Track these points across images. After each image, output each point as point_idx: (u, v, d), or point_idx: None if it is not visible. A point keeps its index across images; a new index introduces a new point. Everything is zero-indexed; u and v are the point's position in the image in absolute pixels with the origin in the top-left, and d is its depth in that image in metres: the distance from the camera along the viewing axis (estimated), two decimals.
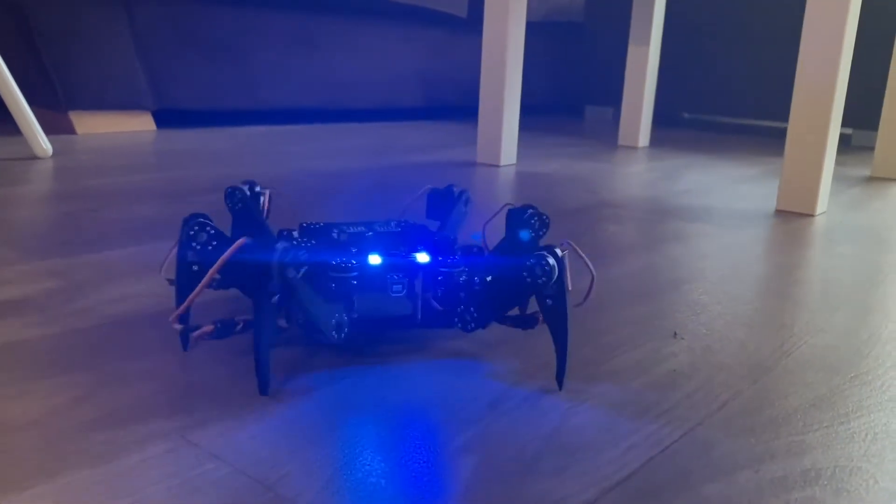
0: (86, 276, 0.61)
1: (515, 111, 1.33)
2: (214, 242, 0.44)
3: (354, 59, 1.94)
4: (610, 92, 2.54)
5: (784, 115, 2.17)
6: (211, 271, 0.41)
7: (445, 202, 0.59)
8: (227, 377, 0.43)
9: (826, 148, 0.99)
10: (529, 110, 2.69)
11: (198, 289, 0.42)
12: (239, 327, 0.43)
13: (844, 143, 2.11)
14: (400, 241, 0.51)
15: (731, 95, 2.29)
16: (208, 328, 0.42)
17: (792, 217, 1.00)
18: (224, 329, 0.42)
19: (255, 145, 1.45)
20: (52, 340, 0.47)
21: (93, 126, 1.50)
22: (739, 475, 0.35)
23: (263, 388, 0.41)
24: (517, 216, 0.51)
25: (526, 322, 0.47)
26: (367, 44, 1.97)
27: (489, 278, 0.45)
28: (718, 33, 2.28)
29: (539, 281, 0.42)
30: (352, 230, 0.52)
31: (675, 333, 0.54)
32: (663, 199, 1.08)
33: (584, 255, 0.44)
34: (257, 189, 0.57)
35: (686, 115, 2.81)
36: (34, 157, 1.17)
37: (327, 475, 0.34)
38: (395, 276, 0.45)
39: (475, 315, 0.45)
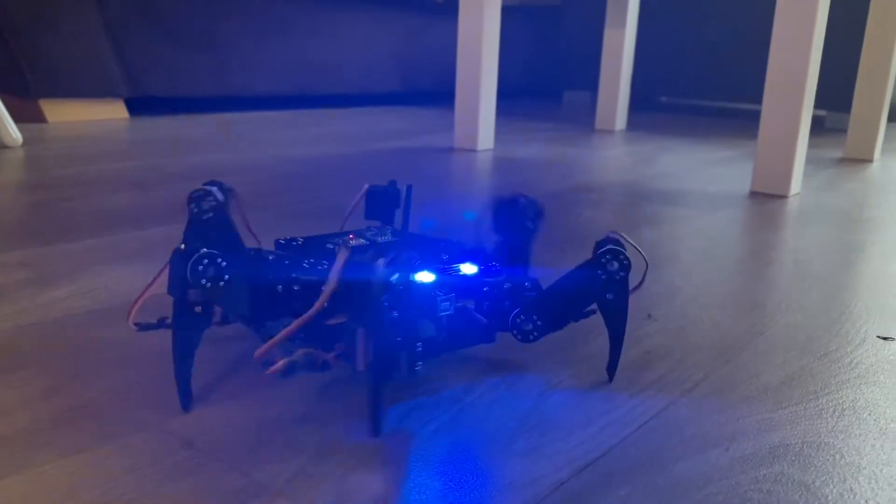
0: (57, 266, 0.60)
1: (492, 96, 1.32)
2: (227, 276, 0.37)
3: (330, 44, 1.93)
4: (587, 76, 2.54)
5: (760, 97, 2.19)
6: (322, 298, 0.36)
7: (388, 200, 0.53)
8: (201, 366, 0.43)
9: (799, 130, 1.00)
10: (507, 95, 2.69)
11: (297, 322, 0.37)
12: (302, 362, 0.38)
13: (818, 126, 2.13)
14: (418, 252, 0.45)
15: (707, 78, 2.30)
16: (280, 365, 0.37)
17: (766, 199, 1.01)
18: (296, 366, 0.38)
19: (229, 133, 1.44)
20: (23, 331, 0.47)
21: (63, 114, 1.48)
22: (710, 453, 0.36)
23: (185, 403, 0.38)
24: (509, 209, 0.49)
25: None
26: (342, 29, 1.95)
27: (550, 283, 0.43)
28: (694, 16, 2.29)
29: (617, 277, 0.41)
30: (352, 243, 0.46)
31: (650, 315, 0.54)
32: (639, 183, 1.09)
33: (635, 244, 0.44)
34: (227, 187, 0.47)
35: (663, 99, 2.82)
36: (3, 147, 1.15)
37: (301, 461, 0.34)
38: (442, 293, 0.41)
39: (539, 323, 0.43)
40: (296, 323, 0.37)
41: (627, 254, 0.41)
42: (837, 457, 0.36)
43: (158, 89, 1.61)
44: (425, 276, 0.39)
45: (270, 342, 0.37)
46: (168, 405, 0.38)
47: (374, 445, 0.35)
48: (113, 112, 1.56)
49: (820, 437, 0.38)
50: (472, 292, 0.43)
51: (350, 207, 0.51)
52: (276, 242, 0.47)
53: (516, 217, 0.47)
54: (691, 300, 0.58)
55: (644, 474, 0.34)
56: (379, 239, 0.48)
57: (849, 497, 0.33)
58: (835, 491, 0.33)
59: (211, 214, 0.40)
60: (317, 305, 0.36)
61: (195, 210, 0.40)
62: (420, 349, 0.38)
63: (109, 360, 0.43)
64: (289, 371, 0.37)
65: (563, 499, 0.32)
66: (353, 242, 0.47)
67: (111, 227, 0.72)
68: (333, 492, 0.32)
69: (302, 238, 0.47)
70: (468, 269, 0.43)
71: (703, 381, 0.44)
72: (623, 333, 0.42)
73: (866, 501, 0.32)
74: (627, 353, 0.47)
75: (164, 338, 0.46)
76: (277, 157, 1.17)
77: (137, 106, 1.72)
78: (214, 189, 0.42)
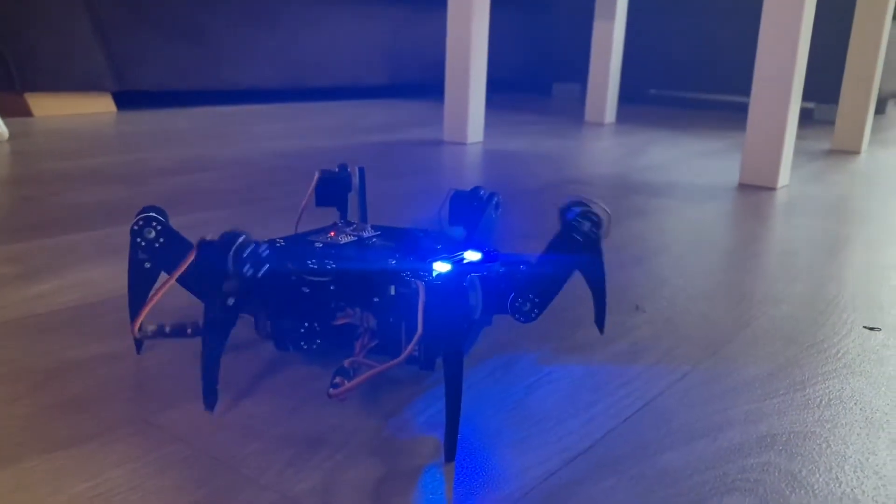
0: (44, 260, 0.60)
1: (482, 88, 1.32)
2: (266, 266, 0.38)
3: (318, 37, 1.92)
4: (577, 68, 2.54)
5: (748, 89, 2.19)
6: (411, 345, 0.36)
7: (472, 207, 0.51)
8: (188, 361, 0.43)
9: (787, 122, 1.01)
10: (496, 88, 2.69)
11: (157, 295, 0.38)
12: (189, 331, 0.40)
13: (806, 118, 2.14)
14: (404, 246, 0.45)
15: (696, 71, 2.30)
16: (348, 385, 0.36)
17: (754, 190, 1.01)
18: (175, 332, 0.40)
19: (217, 126, 1.43)
20: (9, 326, 0.47)
21: (50, 108, 1.47)
22: (697, 443, 0.36)
23: (210, 403, 0.36)
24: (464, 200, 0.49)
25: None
26: (330, 22, 1.95)
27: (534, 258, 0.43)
28: (683, 8, 2.29)
29: (592, 236, 0.42)
30: (343, 240, 0.46)
31: (638, 307, 0.55)
32: (628, 175, 1.09)
33: (595, 200, 0.44)
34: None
35: (652, 91, 2.83)
36: None
37: (289, 455, 0.34)
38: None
39: (536, 301, 0.42)
40: (383, 366, 0.36)
41: (595, 210, 0.42)
42: (824, 446, 0.36)
43: (146, 83, 1.60)
44: (442, 266, 0.40)
45: (352, 384, 0.35)
46: (157, 399, 0.38)
47: (364, 438, 0.35)
48: (100, 106, 1.55)
49: (806, 426, 0.38)
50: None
51: (305, 199, 0.50)
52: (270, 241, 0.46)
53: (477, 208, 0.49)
54: (679, 292, 0.58)
55: (632, 465, 0.34)
56: (363, 234, 0.47)
57: (835, 486, 0.33)
58: (821, 480, 0.33)
59: (160, 238, 0.40)
60: (406, 351, 0.36)
61: (140, 241, 0.41)
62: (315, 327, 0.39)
63: (96, 354, 0.43)
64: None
65: (551, 489, 0.32)
66: (334, 238, 0.46)
67: (98, 222, 0.72)
68: (322, 485, 0.31)
69: (281, 239, 0.46)
70: (472, 255, 0.43)
71: (690, 371, 0.44)
72: (605, 285, 0.44)
73: (852, 490, 0.33)
74: (616, 345, 0.47)
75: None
76: (266, 150, 1.17)
77: (125, 99, 1.71)
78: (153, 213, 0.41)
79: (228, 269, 0.35)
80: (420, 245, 0.44)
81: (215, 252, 0.36)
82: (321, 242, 0.45)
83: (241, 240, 0.36)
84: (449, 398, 0.33)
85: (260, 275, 0.37)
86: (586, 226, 0.41)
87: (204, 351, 0.35)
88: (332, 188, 0.51)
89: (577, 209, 0.42)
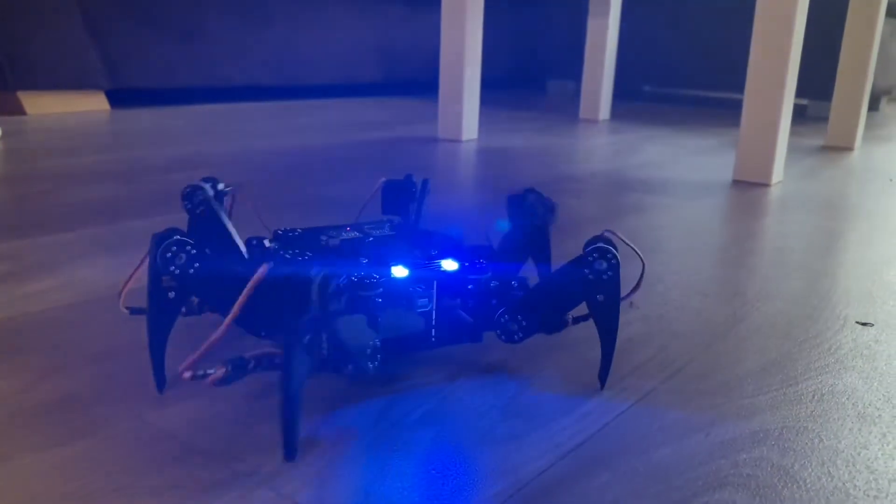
0: (38, 259, 0.60)
1: (476, 86, 1.32)
2: (196, 264, 0.37)
3: (312, 34, 1.92)
4: (571, 66, 2.54)
5: (742, 86, 2.20)
6: (234, 310, 0.34)
7: (404, 194, 0.52)
8: (182, 358, 0.43)
9: (781, 119, 1.01)
10: (491, 85, 2.69)
11: (219, 331, 0.34)
12: (251, 365, 0.35)
13: (800, 114, 2.14)
14: (406, 246, 0.45)
15: (690, 68, 2.30)
16: (220, 373, 0.34)
17: (748, 187, 1.01)
18: (237, 371, 0.34)
19: (210, 124, 1.43)
20: (3, 325, 0.46)
21: (43, 106, 1.46)
22: (690, 439, 0.36)
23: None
24: (519, 203, 0.47)
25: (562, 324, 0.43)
26: (325, 19, 1.94)
27: (536, 281, 0.41)
28: (677, 5, 2.29)
29: (605, 276, 0.39)
30: (344, 236, 0.46)
31: (632, 303, 0.55)
32: (622, 172, 1.09)
33: (630, 243, 0.41)
34: (221, 187, 0.48)
35: (647, 88, 2.83)
36: None
37: (283, 452, 0.34)
38: (420, 289, 0.39)
39: (524, 324, 0.41)
40: (219, 331, 0.34)
41: (617, 253, 0.39)
42: (816, 441, 0.36)
43: (140, 80, 1.59)
44: (399, 271, 0.39)
45: (196, 354, 0.34)
46: (149, 397, 0.38)
47: (357, 436, 0.35)
48: (94, 104, 1.55)
49: (799, 421, 0.38)
50: (456, 290, 0.41)
51: (364, 202, 0.51)
52: (275, 232, 0.47)
53: (527, 211, 0.47)
54: (673, 288, 0.58)
55: (625, 460, 0.34)
56: (375, 232, 0.47)
57: (827, 480, 0.33)
58: (813, 474, 0.33)
59: (202, 209, 0.41)
60: (226, 323, 0.35)
61: (188, 206, 0.40)
62: (377, 344, 0.36)
63: (90, 352, 0.43)
64: (229, 379, 0.34)
65: (545, 486, 0.32)
66: (347, 236, 0.46)
67: (92, 220, 0.72)
68: (316, 482, 0.32)
69: (301, 229, 0.47)
70: (449, 265, 0.41)
71: (684, 367, 0.44)
72: (615, 337, 0.40)
73: (844, 484, 0.33)
74: None
75: (144, 330, 0.46)
76: (260, 148, 1.17)
77: (119, 97, 1.71)
78: (207, 185, 0.43)
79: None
80: (411, 250, 0.44)
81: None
82: (327, 237, 0.46)
83: (170, 240, 0.35)
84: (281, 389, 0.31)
85: (190, 273, 0.36)
86: (602, 265, 0.39)
87: (148, 339, 0.35)
88: (398, 196, 0.52)
89: (600, 243, 0.39)
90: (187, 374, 0.33)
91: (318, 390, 0.39)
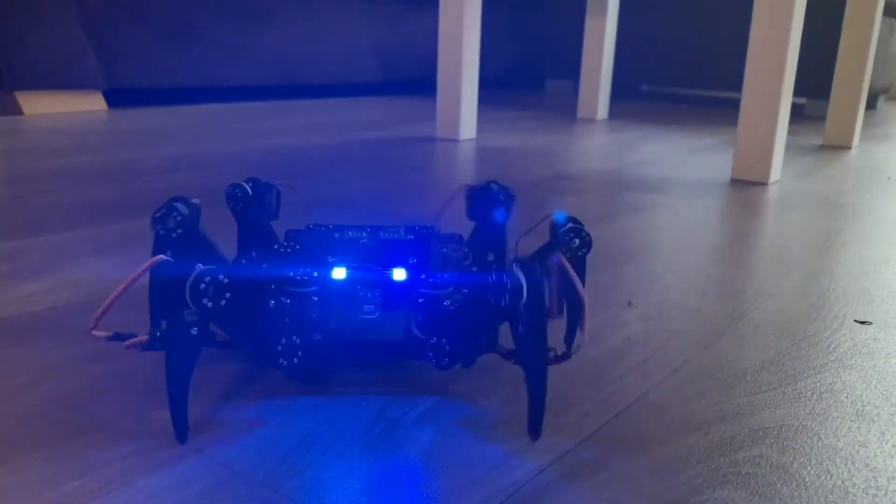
0: (36, 259, 0.60)
1: (474, 85, 1.32)
2: (228, 295, 0.35)
3: (310, 34, 1.92)
4: (569, 65, 2.54)
5: (740, 85, 2.20)
6: (129, 280, 0.34)
7: (484, 200, 0.49)
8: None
9: (778, 118, 1.01)
10: (489, 84, 2.69)
11: (120, 288, 0.34)
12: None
13: (798, 113, 2.14)
14: (392, 251, 0.43)
15: (688, 67, 2.31)
16: (142, 339, 0.35)
17: (746, 186, 1.01)
18: (155, 342, 0.36)
19: (208, 124, 1.43)
20: (2, 324, 0.46)
21: (41, 106, 1.46)
22: (690, 437, 0.36)
23: (179, 434, 0.34)
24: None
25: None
26: (322, 18, 1.94)
27: (460, 298, 0.36)
28: (675, 4, 2.29)
29: (502, 303, 0.34)
30: (349, 235, 0.45)
31: (630, 302, 0.55)
32: (620, 171, 1.09)
33: (574, 273, 0.35)
34: (261, 183, 0.47)
35: (645, 87, 2.83)
36: None
37: (283, 451, 0.34)
38: (368, 294, 0.37)
39: (447, 348, 0.37)
40: (120, 288, 0.34)
41: (520, 281, 0.34)
42: (815, 439, 0.36)
43: (137, 80, 1.59)
44: (338, 273, 0.37)
45: (102, 309, 0.35)
46: (148, 397, 0.38)
47: (357, 435, 0.35)
48: (91, 104, 1.54)
49: (798, 420, 0.38)
50: (404, 301, 0.38)
51: (442, 206, 0.50)
52: (306, 226, 0.47)
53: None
54: (671, 286, 0.59)
55: (624, 459, 0.34)
56: (382, 235, 0.46)
57: (826, 478, 0.33)
58: (812, 472, 0.33)
59: (180, 231, 0.40)
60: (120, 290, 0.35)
61: (160, 230, 0.40)
62: (295, 341, 0.36)
63: (89, 352, 0.43)
64: (149, 346, 0.35)
65: (543, 485, 0.32)
66: (353, 235, 0.46)
67: (89, 220, 0.72)
68: (316, 481, 0.31)
69: (332, 224, 0.47)
70: (398, 274, 0.37)
71: (682, 366, 0.44)
72: (542, 382, 0.34)
73: (843, 482, 0.33)
74: (608, 340, 0.48)
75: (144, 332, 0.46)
76: (258, 148, 1.17)
77: (116, 97, 1.71)
78: (179, 205, 0.41)
79: (188, 302, 0.33)
80: (388, 254, 0.43)
81: (172, 279, 0.34)
82: (340, 235, 0.46)
83: (200, 270, 0.34)
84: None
85: (222, 305, 0.35)
86: (500, 290, 0.34)
87: (168, 381, 0.33)
88: (482, 201, 0.50)
89: (508, 270, 0.35)
90: (99, 333, 0.35)
91: (316, 390, 0.39)
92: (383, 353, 0.39)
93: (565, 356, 0.36)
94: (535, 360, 0.34)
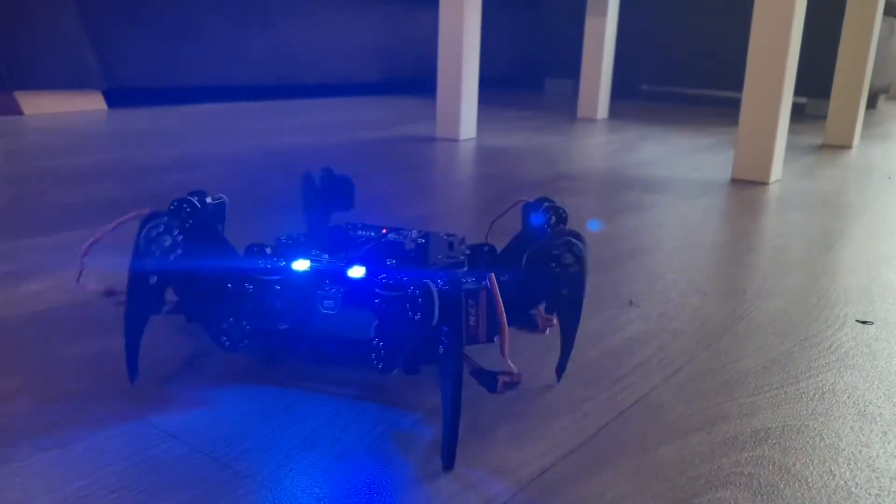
0: (35, 259, 0.59)
1: (474, 84, 1.32)
2: (179, 251, 0.37)
3: (309, 33, 1.91)
4: (569, 64, 2.54)
5: (740, 85, 2.20)
6: (112, 226, 0.37)
7: (536, 216, 0.47)
8: (182, 360, 0.43)
9: (779, 117, 1.01)
10: (489, 84, 2.69)
11: (106, 228, 0.37)
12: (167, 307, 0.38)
13: (799, 113, 2.14)
14: (372, 251, 0.42)
15: (689, 66, 2.30)
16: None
17: (747, 185, 1.01)
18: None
19: (208, 123, 1.42)
20: (2, 324, 0.46)
21: (40, 106, 1.46)
22: (692, 437, 0.36)
23: (131, 373, 0.37)
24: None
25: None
26: (322, 18, 1.94)
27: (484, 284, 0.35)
28: (675, 4, 2.29)
29: (569, 268, 0.37)
30: (361, 233, 0.46)
31: (631, 302, 0.55)
32: (621, 171, 1.09)
33: (499, 296, 0.34)
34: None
35: (645, 87, 2.83)
36: None
37: (284, 452, 0.34)
38: (329, 290, 0.36)
39: (382, 352, 0.35)
40: (106, 228, 0.37)
41: (578, 243, 0.36)
42: (818, 439, 0.36)
43: (136, 80, 1.59)
44: (300, 265, 0.37)
45: (91, 240, 0.37)
46: (150, 397, 0.38)
47: (358, 436, 0.35)
48: (90, 103, 1.54)
49: (800, 420, 0.38)
50: (362, 301, 0.37)
51: (495, 217, 0.49)
52: (337, 225, 0.47)
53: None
54: (672, 286, 0.58)
55: (627, 459, 0.34)
56: (387, 236, 0.47)
57: (829, 479, 0.33)
58: (815, 473, 0.33)
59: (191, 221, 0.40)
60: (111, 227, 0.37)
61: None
62: (245, 327, 0.37)
63: (87, 353, 0.43)
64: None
65: (547, 484, 0.32)
66: (364, 233, 0.47)
67: (89, 221, 0.71)
68: (316, 482, 0.31)
69: (361, 223, 0.48)
70: (356, 272, 0.37)
71: (684, 366, 0.44)
72: (575, 332, 0.38)
73: (846, 482, 0.33)
74: (609, 340, 0.47)
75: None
76: (258, 147, 1.16)
77: (115, 97, 1.70)
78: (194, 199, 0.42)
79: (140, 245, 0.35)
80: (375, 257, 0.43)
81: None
82: (352, 234, 0.46)
83: (157, 219, 0.36)
84: None
85: (171, 258, 0.38)
86: (566, 256, 0.35)
87: (125, 326, 0.36)
88: (537, 218, 0.49)
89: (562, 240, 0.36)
90: (92, 287, 0.38)
91: (316, 391, 0.39)
92: (340, 350, 0.39)
93: (515, 384, 0.35)
94: (447, 377, 0.32)
